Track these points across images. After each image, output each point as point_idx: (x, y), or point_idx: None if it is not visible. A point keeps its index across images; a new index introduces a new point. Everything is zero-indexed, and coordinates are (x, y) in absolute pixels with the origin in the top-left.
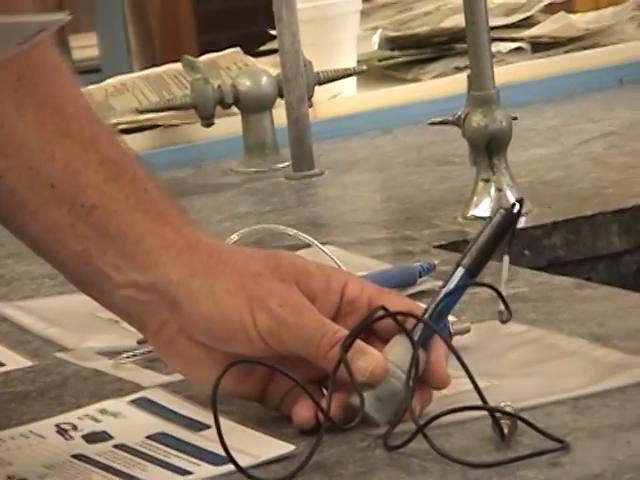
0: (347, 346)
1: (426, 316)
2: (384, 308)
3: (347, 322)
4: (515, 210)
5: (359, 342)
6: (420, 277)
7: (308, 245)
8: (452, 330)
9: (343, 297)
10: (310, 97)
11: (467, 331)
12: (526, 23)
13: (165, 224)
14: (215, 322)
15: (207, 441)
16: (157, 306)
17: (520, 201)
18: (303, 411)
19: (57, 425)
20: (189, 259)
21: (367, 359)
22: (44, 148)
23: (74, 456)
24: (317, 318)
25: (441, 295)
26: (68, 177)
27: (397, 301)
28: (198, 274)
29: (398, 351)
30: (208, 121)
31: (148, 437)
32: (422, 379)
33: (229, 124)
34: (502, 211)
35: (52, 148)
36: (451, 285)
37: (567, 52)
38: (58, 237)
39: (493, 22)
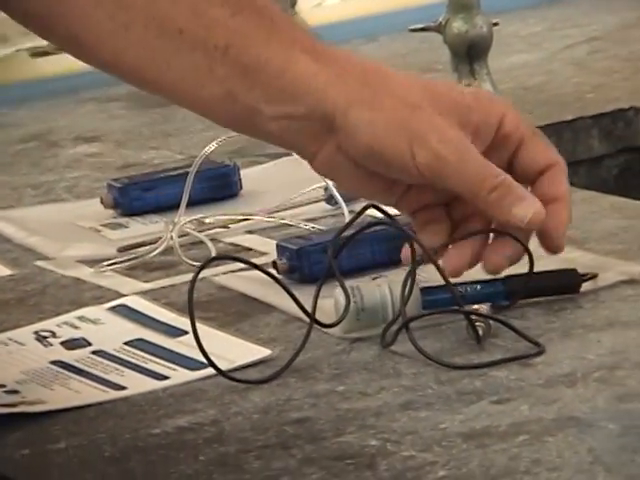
0: (334, 252)
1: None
2: (376, 207)
3: (499, 154)
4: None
5: (518, 186)
6: None
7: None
8: None
9: (499, 130)
10: (293, 5)
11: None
12: None
13: (302, 52)
14: (374, 153)
15: (184, 346)
16: (314, 131)
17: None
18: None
19: (36, 332)
20: (341, 89)
21: (524, 205)
22: None
23: (52, 362)
24: (478, 159)
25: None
26: (195, 19)
27: (542, 149)
28: (354, 106)
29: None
30: None
31: (126, 343)
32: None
33: None
34: (570, 272)
35: None
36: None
37: None
38: (197, 82)
39: None
